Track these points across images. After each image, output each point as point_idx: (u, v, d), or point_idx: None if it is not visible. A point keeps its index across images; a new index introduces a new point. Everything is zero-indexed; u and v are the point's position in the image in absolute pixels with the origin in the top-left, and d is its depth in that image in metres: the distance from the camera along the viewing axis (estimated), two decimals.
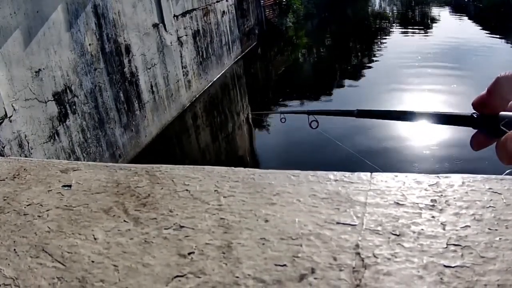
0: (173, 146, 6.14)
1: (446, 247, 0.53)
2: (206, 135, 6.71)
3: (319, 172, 0.63)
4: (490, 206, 0.61)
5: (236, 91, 8.82)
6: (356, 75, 9.10)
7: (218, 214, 0.55)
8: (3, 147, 3.41)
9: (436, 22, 15.62)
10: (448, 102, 6.42)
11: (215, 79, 8.37)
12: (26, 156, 3.66)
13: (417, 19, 17.94)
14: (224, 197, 0.58)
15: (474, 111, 0.35)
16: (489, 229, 0.57)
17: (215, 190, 0.60)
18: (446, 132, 4.91)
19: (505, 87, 0.33)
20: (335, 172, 0.63)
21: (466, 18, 15.82)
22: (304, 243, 0.50)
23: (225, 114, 7.71)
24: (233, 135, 6.75)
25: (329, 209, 0.56)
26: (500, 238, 0.55)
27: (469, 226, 0.57)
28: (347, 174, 0.63)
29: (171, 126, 6.30)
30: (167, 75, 6.37)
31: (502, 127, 0.32)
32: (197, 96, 7.47)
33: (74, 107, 4.33)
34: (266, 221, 0.53)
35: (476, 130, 0.36)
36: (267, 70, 10.70)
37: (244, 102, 8.37)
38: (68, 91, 4.23)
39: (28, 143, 3.70)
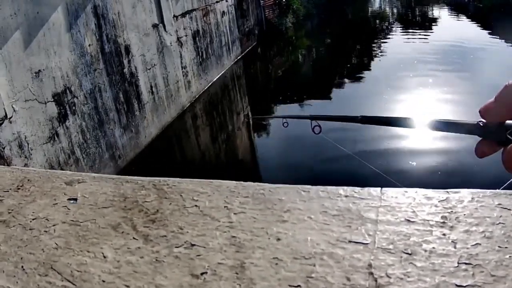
0: (173, 146, 6.14)
1: (458, 266, 0.53)
2: (206, 136, 6.71)
3: (329, 188, 0.63)
4: (499, 223, 0.61)
5: (236, 91, 8.82)
6: (357, 76, 9.10)
7: (229, 232, 0.54)
8: (3, 148, 3.40)
9: (436, 23, 15.63)
10: (451, 105, 6.42)
11: (215, 80, 8.37)
12: (26, 157, 3.64)
13: (417, 19, 17.95)
14: (235, 213, 0.58)
15: (480, 119, 0.35)
16: (499, 246, 0.57)
17: (225, 206, 0.60)
18: (452, 138, 4.89)
19: None
20: (345, 187, 0.63)
21: (465, 18, 15.85)
22: (317, 262, 0.50)
23: (225, 114, 7.70)
24: (233, 136, 6.74)
25: (341, 226, 0.56)
26: (510, 256, 0.55)
27: (479, 244, 0.57)
28: (357, 189, 0.63)
29: (171, 126, 6.29)
30: (167, 76, 6.36)
31: (508, 136, 0.32)
32: (197, 96, 7.46)
33: (73, 107, 4.32)
34: (278, 239, 0.53)
35: (481, 138, 0.36)
36: (267, 70, 10.69)
37: (244, 102, 8.37)
38: (67, 91, 4.22)
39: (28, 144, 3.68)
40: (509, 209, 0.65)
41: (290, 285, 0.46)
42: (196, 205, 0.61)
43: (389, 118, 0.47)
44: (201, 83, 7.68)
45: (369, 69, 9.69)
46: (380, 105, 6.42)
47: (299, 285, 0.46)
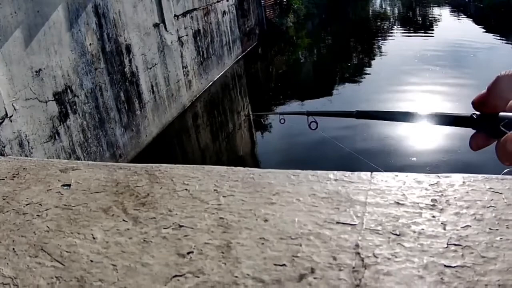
0: (173, 146, 6.15)
1: (447, 247, 0.53)
2: (207, 135, 6.71)
3: (319, 172, 0.63)
4: (490, 206, 0.61)
5: (236, 91, 8.83)
6: (357, 75, 9.09)
7: (217, 214, 0.55)
8: (4, 147, 3.41)
9: (436, 23, 15.60)
10: (447, 101, 6.41)
11: (215, 79, 8.37)
12: (26, 156, 3.66)
13: (418, 19, 17.93)
14: (224, 196, 0.58)
15: (474, 112, 0.35)
16: (489, 229, 0.57)
17: (214, 190, 0.60)
18: (447, 130, 4.90)
19: (505, 86, 0.33)
20: (335, 172, 0.63)
21: (466, 18, 15.82)
22: (304, 242, 0.50)
23: (226, 114, 7.71)
24: (233, 135, 6.75)
25: (329, 208, 0.56)
26: (501, 238, 0.55)
27: (469, 226, 0.57)
28: (347, 173, 0.63)
29: (172, 126, 6.30)
30: (168, 75, 6.37)
31: (502, 128, 0.31)
32: (198, 96, 7.47)
33: (74, 107, 4.33)
34: (266, 220, 0.53)
35: (475, 130, 0.35)
36: (267, 70, 10.69)
37: (245, 102, 8.38)
38: (68, 91, 4.24)
39: (28, 143, 3.70)
40: (500, 193, 0.65)
41: (275, 264, 0.46)
42: (186, 189, 0.61)
43: (383, 113, 0.47)
44: (202, 82, 7.69)
45: (370, 68, 9.68)
46: (380, 103, 6.42)
47: (284, 264, 0.46)
